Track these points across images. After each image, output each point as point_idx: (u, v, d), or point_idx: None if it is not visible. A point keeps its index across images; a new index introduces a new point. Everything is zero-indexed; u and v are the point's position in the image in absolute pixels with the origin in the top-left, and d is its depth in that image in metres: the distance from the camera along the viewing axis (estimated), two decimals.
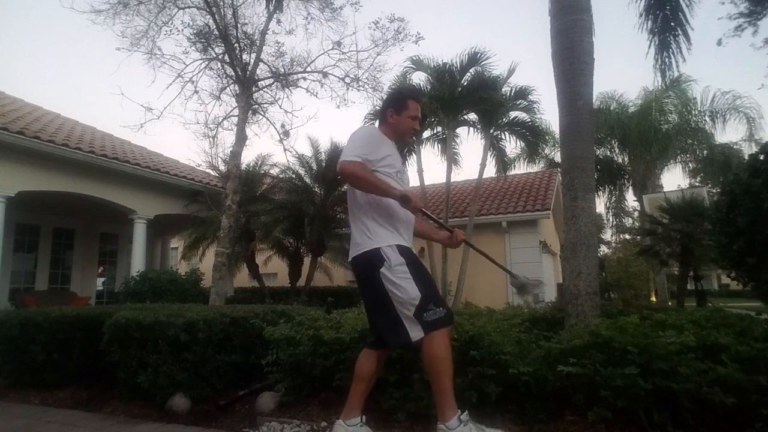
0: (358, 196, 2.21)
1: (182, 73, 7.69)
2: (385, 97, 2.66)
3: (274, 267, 12.10)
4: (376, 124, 2.46)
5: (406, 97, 2.38)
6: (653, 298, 9.51)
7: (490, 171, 11.21)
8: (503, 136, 10.89)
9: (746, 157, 4.60)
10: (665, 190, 11.71)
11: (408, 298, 2.00)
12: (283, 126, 8.37)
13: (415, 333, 1.99)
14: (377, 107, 9.91)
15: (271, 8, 7.47)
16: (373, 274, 2.06)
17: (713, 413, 2.15)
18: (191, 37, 7.50)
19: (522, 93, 10.01)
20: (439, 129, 11.07)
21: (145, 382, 3.25)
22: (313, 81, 8.20)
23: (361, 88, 8.20)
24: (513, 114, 10.48)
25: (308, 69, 8.17)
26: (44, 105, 11.42)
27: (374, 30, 7.92)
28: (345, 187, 9.95)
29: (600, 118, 11.92)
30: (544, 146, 13.15)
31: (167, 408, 3.23)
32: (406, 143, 2.45)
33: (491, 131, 10.44)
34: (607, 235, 21.68)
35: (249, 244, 9.97)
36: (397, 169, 2.27)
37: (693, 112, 11.98)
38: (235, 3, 7.41)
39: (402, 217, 2.21)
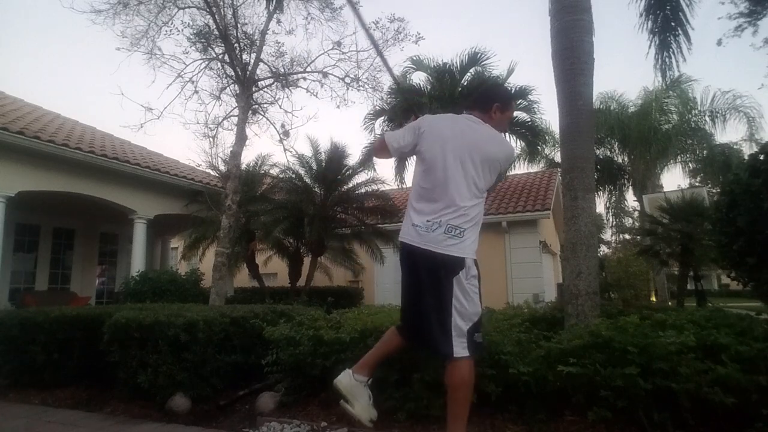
0: (480, 203, 2.10)
1: (182, 73, 7.69)
2: (488, 87, 2.61)
3: (274, 267, 12.09)
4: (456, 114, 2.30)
5: (512, 98, 2.40)
6: (653, 298, 9.51)
7: None
8: (503, 136, 10.89)
9: (746, 157, 4.60)
10: (665, 190, 11.73)
11: (472, 312, 1.94)
12: (283, 126, 8.37)
13: (460, 350, 1.89)
14: (377, 107, 9.94)
15: (271, 8, 7.47)
16: (447, 276, 1.94)
17: (713, 413, 2.16)
18: (191, 37, 7.49)
19: (522, 93, 10.00)
20: None
21: (145, 382, 3.25)
22: (313, 81, 8.20)
23: (361, 88, 8.20)
24: (513, 114, 10.48)
25: (308, 69, 8.18)
26: (44, 105, 11.43)
27: (374, 30, 7.91)
28: (345, 187, 10.04)
29: (600, 118, 11.92)
30: (544, 146, 13.14)
31: (167, 408, 3.23)
32: None
33: None
34: (607, 235, 21.70)
35: (249, 244, 9.97)
36: None
37: (693, 112, 11.98)
38: (235, 3, 7.40)
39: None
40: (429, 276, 1.99)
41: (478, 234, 2.07)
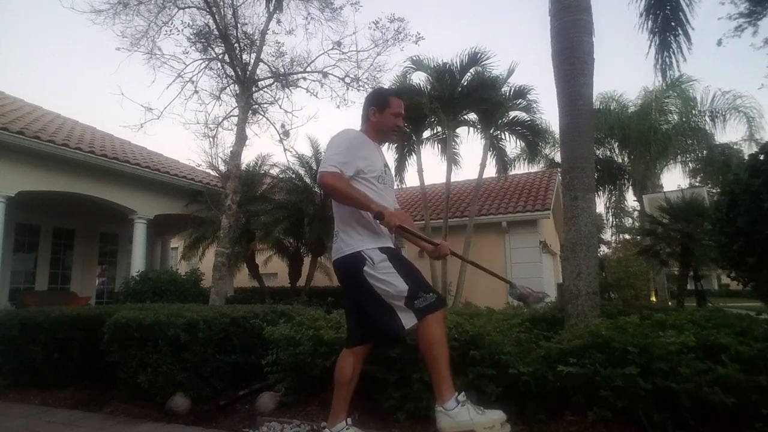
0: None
1: (182, 73, 7.70)
2: (366, 97, 2.60)
3: (274, 267, 12.10)
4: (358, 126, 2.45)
5: (386, 94, 2.41)
6: (653, 298, 9.52)
7: (490, 171, 11.21)
8: (503, 136, 10.89)
9: (746, 157, 4.60)
10: (665, 190, 11.71)
11: (396, 291, 2.03)
12: (283, 126, 8.38)
13: (408, 321, 2.01)
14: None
15: (271, 8, 7.47)
16: (357, 275, 2.09)
17: (713, 413, 2.15)
18: (191, 37, 7.50)
19: (522, 92, 10.01)
20: (439, 129, 11.06)
21: (145, 382, 3.25)
22: (313, 81, 8.21)
23: (361, 88, 8.20)
24: (513, 114, 10.48)
25: (308, 69, 8.18)
26: (44, 105, 11.43)
27: (374, 30, 7.92)
28: None
29: (600, 118, 11.91)
30: (544, 146, 13.15)
31: (167, 408, 3.23)
32: (391, 141, 2.44)
33: (491, 131, 10.44)
34: (607, 235, 21.68)
35: (249, 244, 9.97)
36: (377, 173, 2.25)
37: (693, 112, 11.97)
38: (235, 3, 7.41)
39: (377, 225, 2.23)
40: (346, 282, 2.22)
41: (354, 227, 2.17)
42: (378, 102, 2.35)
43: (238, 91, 7.50)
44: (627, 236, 21.66)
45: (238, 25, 7.43)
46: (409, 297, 2.01)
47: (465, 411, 1.98)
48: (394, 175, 11.59)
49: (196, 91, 7.91)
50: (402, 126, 2.42)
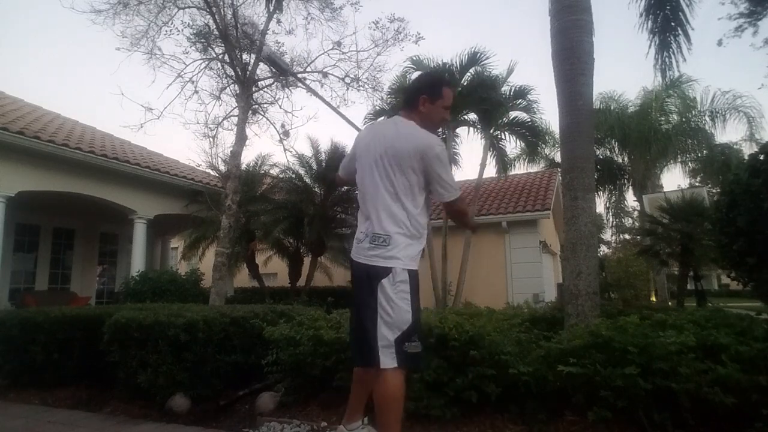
0: (409, 207, 1.93)
1: (182, 73, 7.70)
2: (414, 79, 2.42)
3: (274, 267, 12.09)
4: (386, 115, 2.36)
5: (442, 84, 2.12)
6: (653, 298, 9.52)
7: (490, 171, 11.20)
8: (503, 136, 10.89)
9: (746, 157, 4.60)
10: (665, 190, 11.72)
11: (398, 320, 1.82)
12: (283, 126, 8.38)
13: (387, 361, 1.79)
14: (377, 107, 9.94)
15: (271, 8, 7.47)
16: (372, 284, 1.87)
17: (713, 413, 2.15)
18: (191, 37, 7.50)
19: (522, 92, 10.01)
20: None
21: (145, 382, 3.25)
22: (313, 81, 8.21)
23: (361, 88, 8.22)
24: (513, 114, 10.48)
25: (308, 69, 8.18)
26: (44, 105, 11.43)
27: (374, 30, 7.94)
28: (344, 187, 10.03)
29: (600, 118, 11.91)
30: (544, 146, 13.14)
31: (167, 408, 3.23)
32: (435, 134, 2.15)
33: (491, 131, 10.43)
34: (607, 235, 21.69)
35: (249, 244, 9.97)
36: None
37: (693, 112, 11.97)
38: (235, 3, 7.41)
39: (424, 239, 2.04)
40: (358, 286, 1.96)
41: (416, 242, 1.95)
42: (431, 90, 2.06)
43: (238, 91, 7.50)
44: (627, 236, 21.67)
45: (238, 25, 7.43)
46: (404, 335, 1.81)
47: None
48: None
49: (196, 91, 7.93)
50: (449, 120, 2.30)
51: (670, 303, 9.92)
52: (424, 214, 2.00)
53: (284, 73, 2.45)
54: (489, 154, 10.60)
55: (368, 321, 1.85)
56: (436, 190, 1.96)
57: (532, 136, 10.75)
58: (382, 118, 10.24)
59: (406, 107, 2.11)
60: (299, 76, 8.19)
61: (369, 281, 1.89)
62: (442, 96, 2.07)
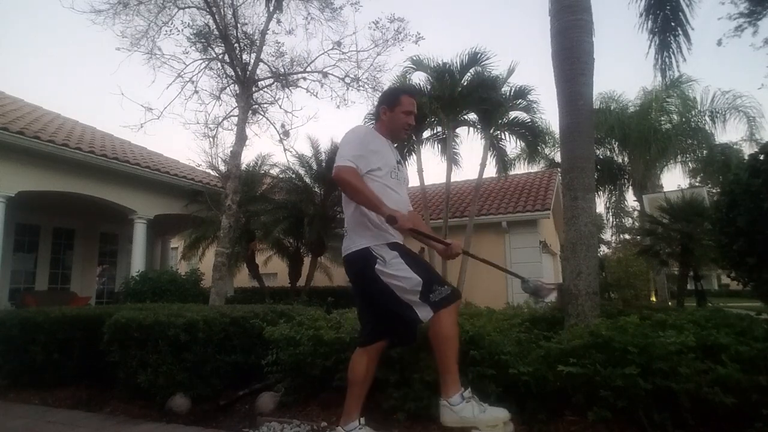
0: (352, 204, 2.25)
1: (182, 73, 7.70)
2: (379, 96, 2.61)
3: (274, 267, 12.10)
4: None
5: (398, 93, 2.39)
6: (653, 298, 9.51)
7: (490, 171, 11.21)
8: (503, 136, 10.90)
9: (746, 157, 4.60)
10: (665, 190, 11.71)
11: (410, 285, 2.02)
12: (283, 126, 8.38)
13: (424, 314, 2.00)
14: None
15: (271, 8, 7.47)
16: (370, 273, 2.09)
17: (713, 413, 2.15)
18: (191, 37, 7.50)
19: (522, 93, 10.01)
20: (439, 129, 11.06)
21: (145, 382, 3.25)
22: (313, 81, 8.21)
23: (361, 88, 8.21)
24: (513, 114, 10.48)
25: (308, 69, 8.18)
26: (44, 105, 11.43)
27: (374, 30, 7.93)
28: None
29: (600, 118, 11.91)
30: (544, 146, 13.14)
31: (167, 408, 3.23)
32: (402, 139, 2.49)
33: (491, 131, 10.44)
34: (607, 235, 21.69)
35: (249, 244, 9.97)
36: (390, 168, 2.27)
37: (693, 112, 11.97)
38: (235, 3, 7.41)
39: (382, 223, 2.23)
40: (358, 279, 2.22)
41: (365, 223, 2.18)
42: (389, 100, 2.35)
43: (238, 91, 7.50)
44: (627, 236, 21.67)
45: (238, 25, 7.44)
46: (423, 290, 2.00)
47: (469, 407, 1.98)
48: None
49: (196, 91, 7.92)
50: (413, 124, 2.41)
51: (670, 303, 9.91)
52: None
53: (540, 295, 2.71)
54: (489, 154, 10.60)
55: (390, 299, 2.06)
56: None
57: (532, 136, 10.76)
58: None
59: (375, 121, 2.45)
60: (299, 76, 8.21)
61: (365, 271, 2.12)
62: (400, 102, 2.32)
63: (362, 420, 2.24)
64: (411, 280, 2.02)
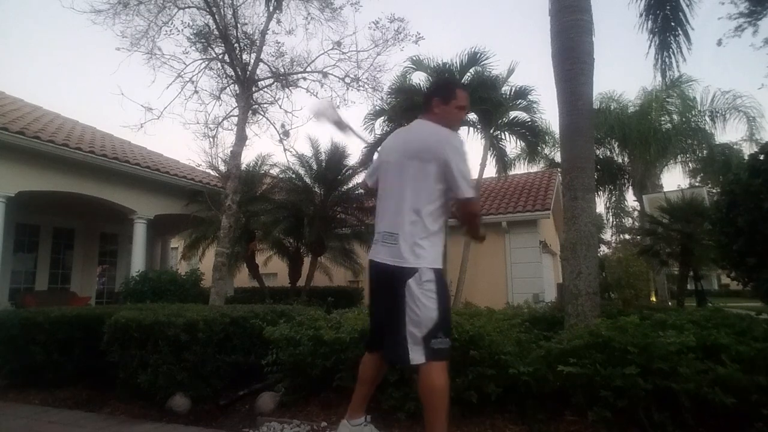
0: (429, 208, 1.99)
1: (182, 73, 7.69)
2: (430, 86, 2.55)
3: (274, 267, 12.09)
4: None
5: (454, 86, 2.29)
6: (653, 298, 9.51)
7: (490, 171, 11.21)
8: (503, 136, 10.90)
9: (746, 157, 4.60)
10: (665, 190, 11.70)
11: (424, 317, 1.88)
12: (283, 126, 8.37)
13: (416, 356, 1.87)
14: (377, 107, 9.95)
15: (271, 8, 7.47)
16: (398, 284, 1.92)
17: (713, 413, 2.15)
18: (191, 37, 7.49)
19: (522, 93, 10.01)
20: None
21: (145, 382, 3.25)
22: (313, 81, 8.20)
23: (361, 88, 8.20)
24: (513, 114, 10.48)
25: (308, 69, 8.17)
26: (44, 105, 11.43)
27: (374, 30, 7.92)
28: (345, 187, 10.04)
29: (600, 118, 11.91)
30: (544, 146, 13.14)
31: (167, 408, 3.23)
32: None
33: (491, 131, 10.44)
34: (607, 235, 21.70)
35: (249, 244, 9.96)
36: None
37: (693, 112, 11.97)
38: (235, 3, 7.40)
39: (443, 238, 2.10)
40: (383, 284, 2.02)
41: (438, 241, 2.01)
42: (443, 92, 2.19)
43: (238, 91, 7.49)
44: (627, 236, 21.67)
45: (238, 25, 7.43)
46: (431, 332, 1.88)
47: None
48: None
49: (196, 91, 7.92)
50: (464, 121, 2.36)
51: (670, 303, 9.91)
52: (442, 214, 2.05)
53: (343, 129, 2.49)
54: (489, 153, 10.60)
55: (396, 321, 1.92)
56: (455, 182, 1.96)
57: (532, 136, 10.76)
58: (381, 119, 10.26)
59: (423, 111, 2.22)
60: (299, 76, 8.21)
61: (394, 282, 1.94)
62: (456, 96, 2.17)
63: (368, 417, 2.24)
64: (428, 313, 1.89)
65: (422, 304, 1.89)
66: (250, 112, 7.79)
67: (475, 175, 10.82)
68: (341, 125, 2.45)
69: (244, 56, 7.51)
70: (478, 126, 10.64)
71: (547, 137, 12.80)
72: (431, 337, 1.88)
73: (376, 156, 2.25)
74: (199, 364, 3.29)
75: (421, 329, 1.88)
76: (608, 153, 13.34)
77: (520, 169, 14.05)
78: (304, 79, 8.23)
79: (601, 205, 15.40)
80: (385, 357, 2.10)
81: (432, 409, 1.88)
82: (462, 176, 1.96)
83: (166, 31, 7.50)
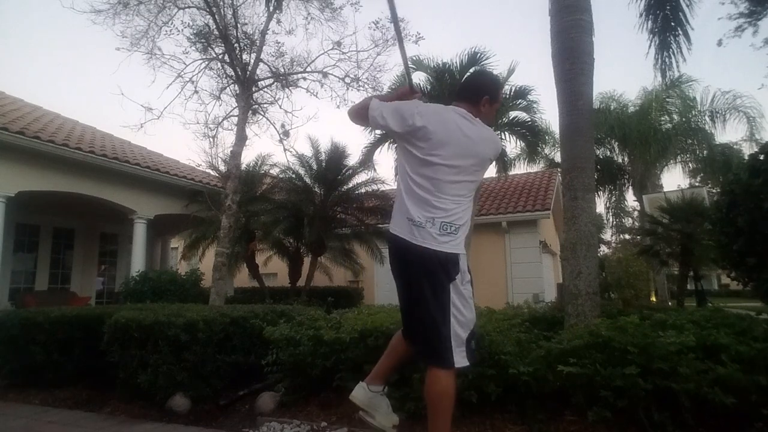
0: (466, 191, 1.94)
1: (182, 73, 7.68)
2: (475, 76, 2.43)
3: (274, 267, 12.09)
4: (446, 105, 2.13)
5: (501, 89, 2.32)
6: (653, 298, 9.51)
7: (490, 171, 11.21)
8: (503, 136, 10.88)
9: (746, 157, 4.60)
10: (665, 190, 11.70)
11: (468, 319, 1.83)
12: (283, 126, 8.37)
13: (460, 359, 1.79)
14: None
15: (271, 8, 7.46)
16: (443, 281, 1.80)
17: (713, 413, 2.15)
18: (191, 37, 7.49)
19: (522, 93, 10.00)
20: None
21: (145, 382, 3.25)
22: (313, 81, 8.20)
23: (361, 88, 8.20)
24: (513, 114, 10.47)
25: (308, 69, 8.17)
26: (44, 105, 11.43)
27: (374, 30, 7.91)
28: (345, 187, 10.04)
29: (600, 118, 11.91)
30: (544, 146, 13.13)
31: (167, 408, 3.23)
32: None
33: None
34: (607, 235, 21.69)
35: (249, 244, 9.96)
36: None
37: (693, 111, 11.97)
38: (235, 3, 7.40)
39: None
40: (425, 277, 1.84)
41: (467, 225, 1.97)
42: (495, 92, 2.12)
43: (238, 91, 7.49)
44: (627, 236, 21.67)
45: (238, 25, 7.43)
46: (471, 333, 1.83)
47: None
48: (394, 175, 11.68)
49: (196, 91, 7.91)
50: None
51: (670, 303, 9.91)
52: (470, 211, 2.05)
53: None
54: None
55: (440, 321, 1.80)
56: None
57: (532, 136, 10.75)
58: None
59: (467, 102, 2.06)
60: (299, 76, 8.21)
61: (439, 273, 1.82)
62: (498, 100, 2.16)
63: (386, 389, 2.16)
64: (471, 315, 1.84)
65: (467, 305, 1.84)
66: (250, 112, 7.79)
67: None
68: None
69: (244, 56, 7.51)
70: None
71: (547, 137, 12.79)
72: (471, 339, 1.84)
73: (412, 111, 1.93)
74: (199, 364, 3.29)
75: (465, 330, 1.82)
76: (608, 153, 13.34)
77: (520, 169, 14.05)
78: (304, 79, 8.23)
79: (601, 205, 15.40)
80: (420, 354, 2.00)
81: (440, 413, 1.82)
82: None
83: (166, 31, 7.51)
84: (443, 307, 1.79)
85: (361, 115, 2.07)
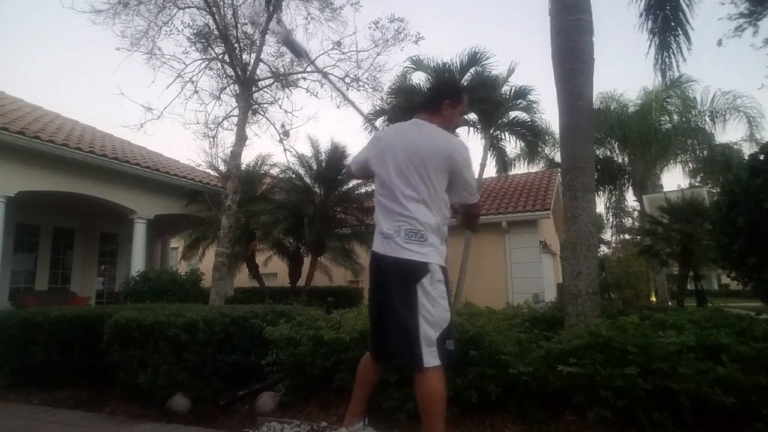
0: (439, 208, 2.00)
1: (182, 73, 7.68)
2: (436, 85, 2.55)
3: (274, 267, 12.09)
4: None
5: (462, 90, 2.31)
6: (653, 298, 9.51)
7: (491, 171, 11.21)
8: (503, 136, 10.89)
9: (746, 157, 4.60)
10: (665, 190, 11.69)
11: (440, 318, 1.86)
12: (283, 126, 8.37)
13: (430, 359, 1.81)
14: (378, 107, 9.93)
15: (271, 8, 7.47)
16: (410, 283, 1.87)
17: (713, 413, 2.16)
18: (191, 37, 7.49)
19: (522, 93, 10.00)
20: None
21: (145, 382, 3.25)
22: (313, 81, 8.20)
23: (362, 88, 8.20)
24: (513, 114, 10.48)
25: (308, 69, 8.17)
26: (44, 105, 11.43)
27: (374, 30, 7.91)
28: (345, 187, 10.03)
29: (600, 118, 11.91)
30: (544, 146, 13.12)
31: (167, 408, 3.23)
32: None
33: (491, 131, 10.43)
34: (607, 235, 21.70)
35: (249, 244, 9.96)
36: None
37: (693, 112, 11.97)
38: (235, 3, 7.41)
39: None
40: (391, 283, 1.92)
41: (443, 241, 2.01)
42: (455, 95, 2.20)
43: (238, 91, 7.49)
44: (627, 236, 21.66)
45: (238, 25, 7.43)
46: (444, 333, 1.86)
47: None
48: None
49: (196, 91, 7.91)
50: (464, 121, 2.37)
51: (670, 303, 9.91)
52: (446, 215, 2.06)
53: (300, 56, 2.60)
54: (489, 154, 10.59)
55: (408, 320, 1.85)
56: (460, 193, 2.08)
57: (532, 136, 10.75)
58: (381, 119, 10.26)
59: (427, 110, 2.18)
60: (299, 76, 8.21)
61: (404, 276, 1.89)
62: (462, 101, 2.21)
63: (366, 420, 2.21)
64: (443, 313, 1.87)
65: (437, 304, 1.87)
66: (250, 112, 7.79)
67: (475, 175, 10.82)
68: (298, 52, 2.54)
69: (244, 56, 7.51)
70: (478, 126, 10.63)
71: (547, 137, 12.79)
72: (445, 339, 1.86)
73: (370, 145, 2.20)
74: (199, 364, 3.29)
75: (436, 330, 1.84)
76: (608, 153, 13.34)
77: (520, 169, 14.05)
78: (304, 79, 8.23)
79: (601, 205, 15.40)
80: (392, 359, 2.03)
81: (432, 415, 1.84)
82: (469, 188, 2.08)
83: (166, 31, 7.51)
84: (410, 308, 1.85)
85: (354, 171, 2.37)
